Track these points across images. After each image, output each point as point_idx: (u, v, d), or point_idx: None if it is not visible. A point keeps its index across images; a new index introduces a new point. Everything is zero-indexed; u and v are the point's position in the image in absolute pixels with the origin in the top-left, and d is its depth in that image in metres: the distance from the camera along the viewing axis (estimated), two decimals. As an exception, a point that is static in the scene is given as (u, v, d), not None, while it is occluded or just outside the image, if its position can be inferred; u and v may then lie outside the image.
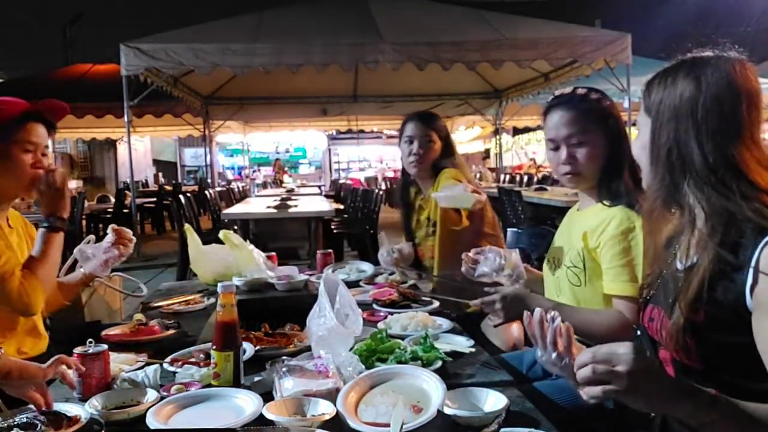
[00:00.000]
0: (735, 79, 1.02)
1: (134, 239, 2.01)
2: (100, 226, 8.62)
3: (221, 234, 2.44)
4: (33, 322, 1.83)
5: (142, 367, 1.44)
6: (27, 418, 1.14)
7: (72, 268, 2.06)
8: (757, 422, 0.89)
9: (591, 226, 1.59)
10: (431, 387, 1.20)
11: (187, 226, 2.52)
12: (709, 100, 1.01)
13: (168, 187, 12.47)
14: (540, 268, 1.86)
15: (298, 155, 22.69)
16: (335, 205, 6.86)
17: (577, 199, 1.75)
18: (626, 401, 0.89)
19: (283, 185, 12.33)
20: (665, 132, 1.05)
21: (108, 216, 8.60)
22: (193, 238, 2.45)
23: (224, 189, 10.25)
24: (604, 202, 1.60)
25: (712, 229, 1.01)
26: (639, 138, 1.13)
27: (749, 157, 1.00)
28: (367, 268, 2.59)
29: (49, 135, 1.84)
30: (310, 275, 2.48)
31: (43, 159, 1.82)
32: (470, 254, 1.77)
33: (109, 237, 1.96)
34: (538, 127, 12.34)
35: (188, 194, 6.90)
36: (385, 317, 1.86)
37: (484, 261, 1.72)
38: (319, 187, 12.76)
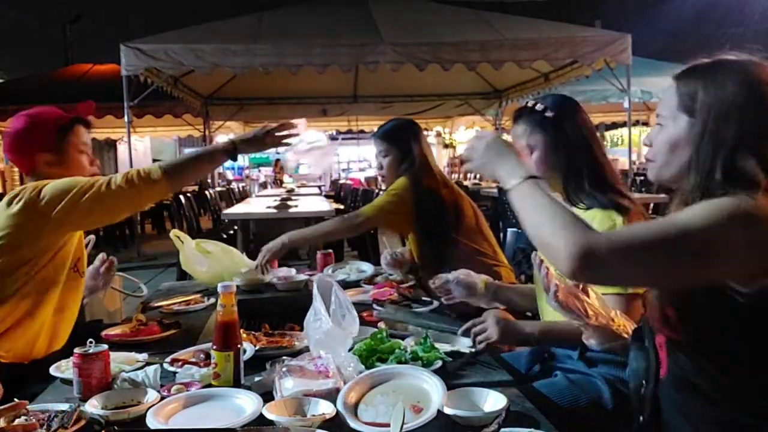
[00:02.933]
0: None
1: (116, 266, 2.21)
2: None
3: (194, 243, 2.37)
4: (53, 326, 1.87)
5: (142, 367, 1.44)
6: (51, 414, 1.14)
7: None
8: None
9: None
10: (431, 387, 1.20)
11: (174, 231, 2.45)
12: (758, 107, 1.06)
13: (168, 187, 12.44)
14: None
15: (298, 155, 22.63)
16: (335, 205, 6.85)
17: None
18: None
19: (283, 185, 12.33)
20: (713, 135, 1.06)
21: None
22: (182, 242, 2.38)
23: (224, 189, 10.25)
24: (578, 205, 1.62)
25: None
26: (665, 132, 1.15)
27: None
28: (367, 268, 2.59)
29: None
30: (311, 275, 2.48)
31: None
32: (435, 286, 1.84)
33: (96, 263, 2.17)
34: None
35: (188, 194, 6.90)
36: (385, 317, 1.86)
37: (455, 290, 1.80)
38: (319, 187, 12.75)
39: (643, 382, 1.18)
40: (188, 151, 20.47)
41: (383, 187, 2.63)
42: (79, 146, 1.95)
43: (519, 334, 1.61)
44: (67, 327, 1.94)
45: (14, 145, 1.91)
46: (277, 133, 1.93)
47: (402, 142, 2.54)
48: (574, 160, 1.63)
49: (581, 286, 1.25)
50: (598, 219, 1.55)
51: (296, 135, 1.97)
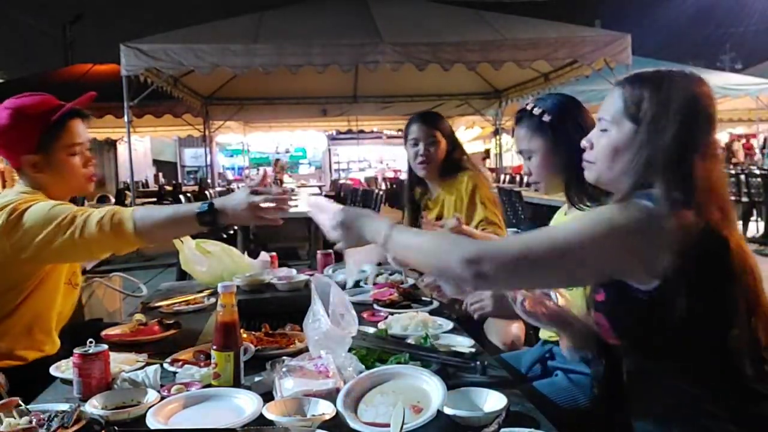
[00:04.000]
0: (712, 100, 1.14)
1: None
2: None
3: (194, 243, 2.34)
4: (49, 328, 1.81)
5: (142, 367, 1.44)
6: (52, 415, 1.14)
7: None
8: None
9: None
10: (431, 387, 1.20)
11: None
12: (699, 120, 1.11)
13: (168, 188, 12.46)
14: None
15: (298, 155, 22.69)
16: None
17: None
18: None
19: (283, 185, 12.35)
20: (653, 143, 1.11)
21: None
22: (182, 242, 2.34)
23: (224, 189, 10.25)
24: (581, 205, 1.62)
25: None
26: (608, 136, 1.18)
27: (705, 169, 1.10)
28: (367, 268, 2.58)
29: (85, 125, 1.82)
30: (311, 275, 2.47)
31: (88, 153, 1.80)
32: (424, 285, 1.87)
33: None
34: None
35: (188, 194, 6.90)
36: (385, 317, 1.86)
37: (444, 287, 1.78)
38: (320, 187, 12.75)
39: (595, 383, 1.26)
40: (187, 152, 20.52)
41: (424, 174, 2.55)
42: (71, 148, 1.75)
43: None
44: (57, 331, 1.89)
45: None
46: (264, 206, 1.67)
47: (450, 132, 2.55)
48: (575, 162, 1.62)
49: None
50: None
51: (285, 209, 1.73)
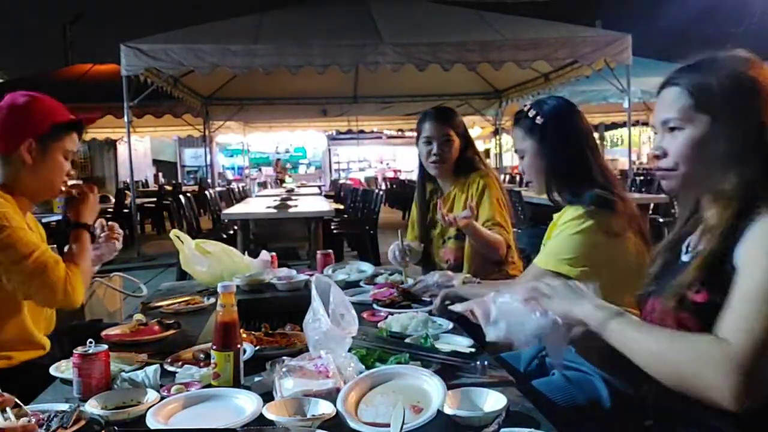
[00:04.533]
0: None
1: (122, 233, 2.13)
2: (101, 226, 8.61)
3: (194, 243, 2.34)
4: (29, 335, 1.80)
5: (142, 367, 1.44)
6: (51, 415, 1.15)
7: None
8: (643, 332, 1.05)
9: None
10: (431, 387, 1.20)
11: (174, 231, 2.40)
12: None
13: (168, 187, 12.48)
14: None
15: (298, 155, 22.71)
16: (335, 205, 6.85)
17: None
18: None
19: (284, 185, 12.35)
20: (744, 125, 1.05)
21: (108, 216, 8.59)
22: (182, 242, 2.35)
23: (224, 189, 10.26)
24: (564, 205, 1.70)
25: (732, 215, 1.03)
26: (686, 135, 1.11)
27: None
28: (367, 268, 2.58)
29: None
30: (311, 275, 2.47)
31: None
32: (415, 289, 1.99)
33: (97, 231, 2.09)
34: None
35: (188, 194, 6.90)
36: (385, 317, 1.86)
37: (436, 291, 1.93)
38: (319, 187, 12.76)
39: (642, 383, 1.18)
40: (187, 152, 20.51)
41: (436, 173, 2.53)
42: (67, 153, 1.84)
43: None
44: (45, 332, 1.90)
45: (1, 119, 1.74)
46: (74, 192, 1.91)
47: (464, 129, 2.53)
48: (559, 165, 1.69)
49: None
50: (569, 211, 1.65)
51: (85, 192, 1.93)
